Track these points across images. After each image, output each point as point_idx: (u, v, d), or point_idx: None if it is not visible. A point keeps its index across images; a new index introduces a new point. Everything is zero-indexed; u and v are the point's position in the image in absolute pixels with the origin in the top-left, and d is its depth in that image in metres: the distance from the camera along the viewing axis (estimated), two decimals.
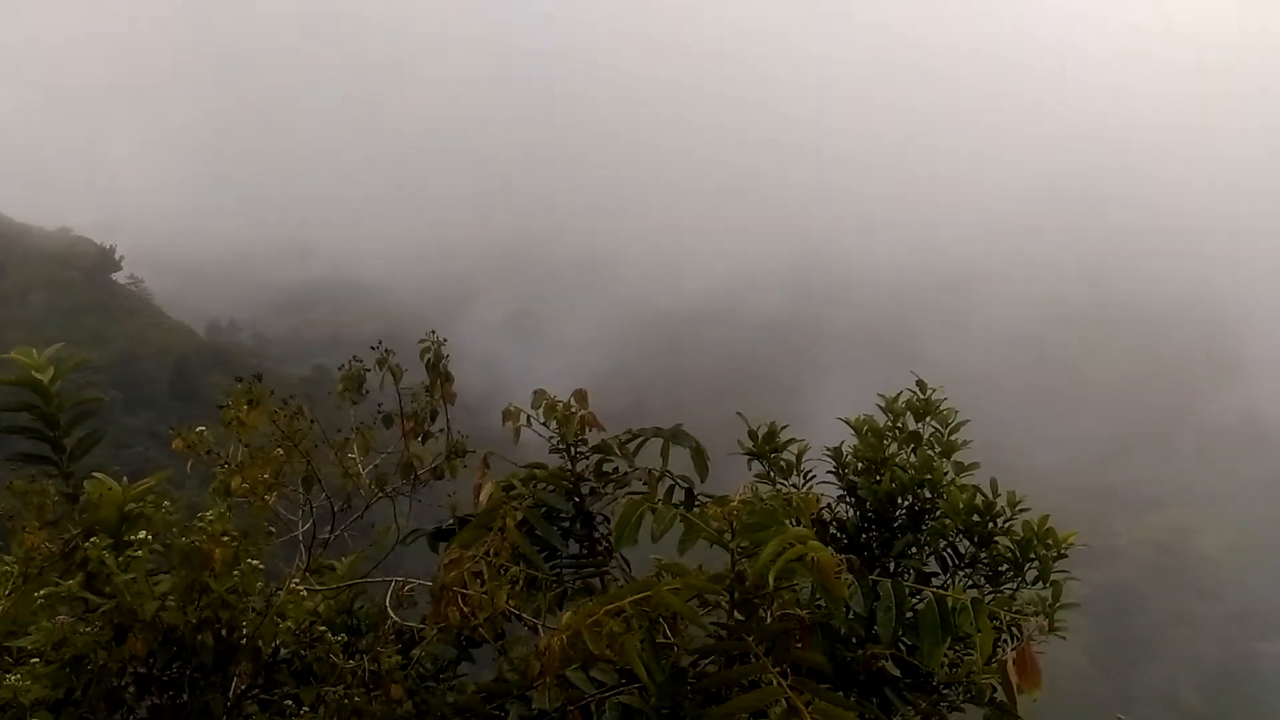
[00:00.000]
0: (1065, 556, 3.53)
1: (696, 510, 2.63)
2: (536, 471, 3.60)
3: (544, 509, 3.43)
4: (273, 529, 3.09)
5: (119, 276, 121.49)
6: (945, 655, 3.27)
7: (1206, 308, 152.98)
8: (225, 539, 2.40)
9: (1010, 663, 2.24)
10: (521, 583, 2.79)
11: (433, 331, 3.61)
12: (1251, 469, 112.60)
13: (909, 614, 2.38)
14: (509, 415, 3.82)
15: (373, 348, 3.49)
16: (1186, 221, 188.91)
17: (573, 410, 3.63)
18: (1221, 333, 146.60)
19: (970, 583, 3.63)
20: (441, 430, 3.82)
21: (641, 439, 3.73)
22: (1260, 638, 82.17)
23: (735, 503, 2.48)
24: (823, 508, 3.88)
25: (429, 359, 3.59)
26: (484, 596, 2.31)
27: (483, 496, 3.39)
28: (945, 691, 3.34)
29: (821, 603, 2.25)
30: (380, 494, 3.48)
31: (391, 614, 2.90)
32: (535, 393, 3.81)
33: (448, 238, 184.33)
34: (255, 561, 2.44)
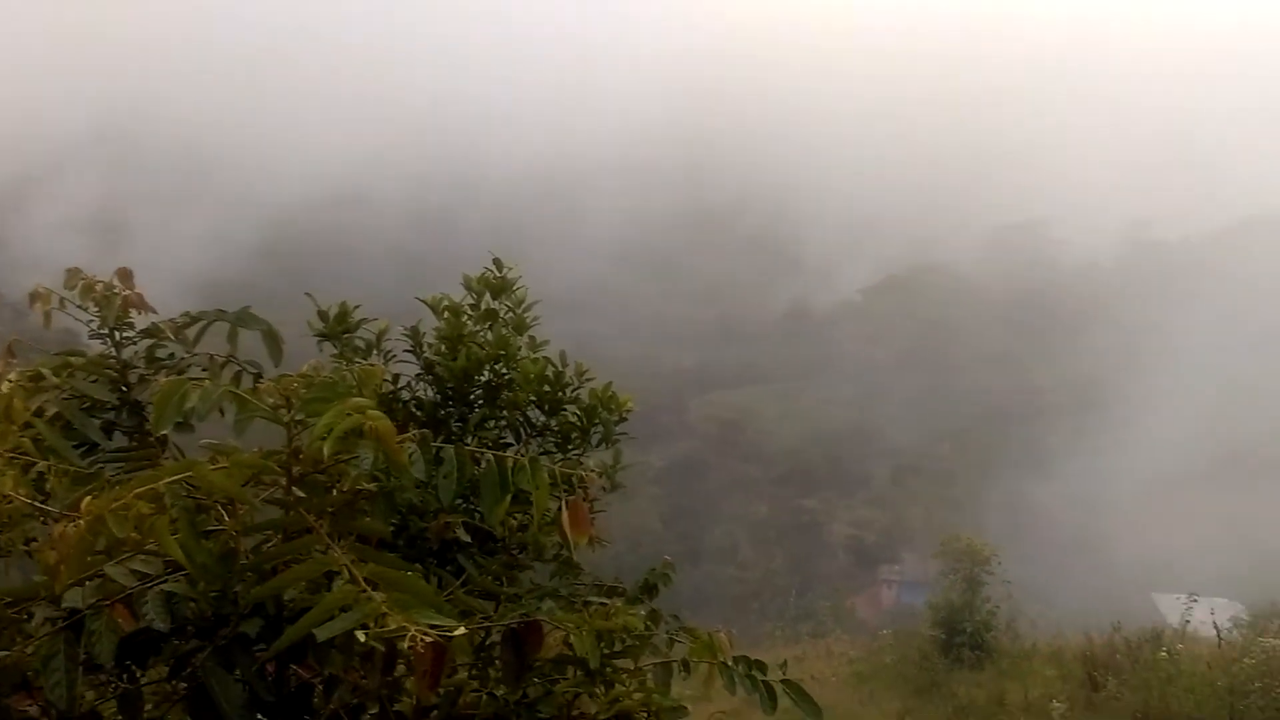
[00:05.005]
0: (626, 420, 3.81)
1: (252, 389, 2.49)
2: (71, 359, 3.22)
3: (83, 400, 3.09)
4: None
5: None
6: (515, 518, 3.43)
7: (771, 206, 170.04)
8: None
9: (563, 515, 2.37)
10: (51, 479, 2.51)
11: None
12: (799, 351, 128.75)
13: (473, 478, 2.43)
14: (36, 297, 3.38)
15: None
16: (770, 127, 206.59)
17: (115, 290, 3.29)
18: (781, 228, 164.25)
19: (542, 450, 3.81)
20: None
21: (204, 323, 3.47)
22: (802, 495, 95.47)
23: (294, 378, 2.37)
24: (401, 387, 3.87)
25: None
26: None
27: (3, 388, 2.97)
28: (517, 554, 3.51)
29: (385, 472, 2.23)
30: None
31: None
32: (68, 271, 3.40)
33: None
34: None
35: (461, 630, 1.76)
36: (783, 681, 2.77)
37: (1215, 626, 15.67)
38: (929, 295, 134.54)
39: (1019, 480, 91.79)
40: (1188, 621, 15.90)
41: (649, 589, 3.61)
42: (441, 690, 2.96)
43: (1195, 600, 16.38)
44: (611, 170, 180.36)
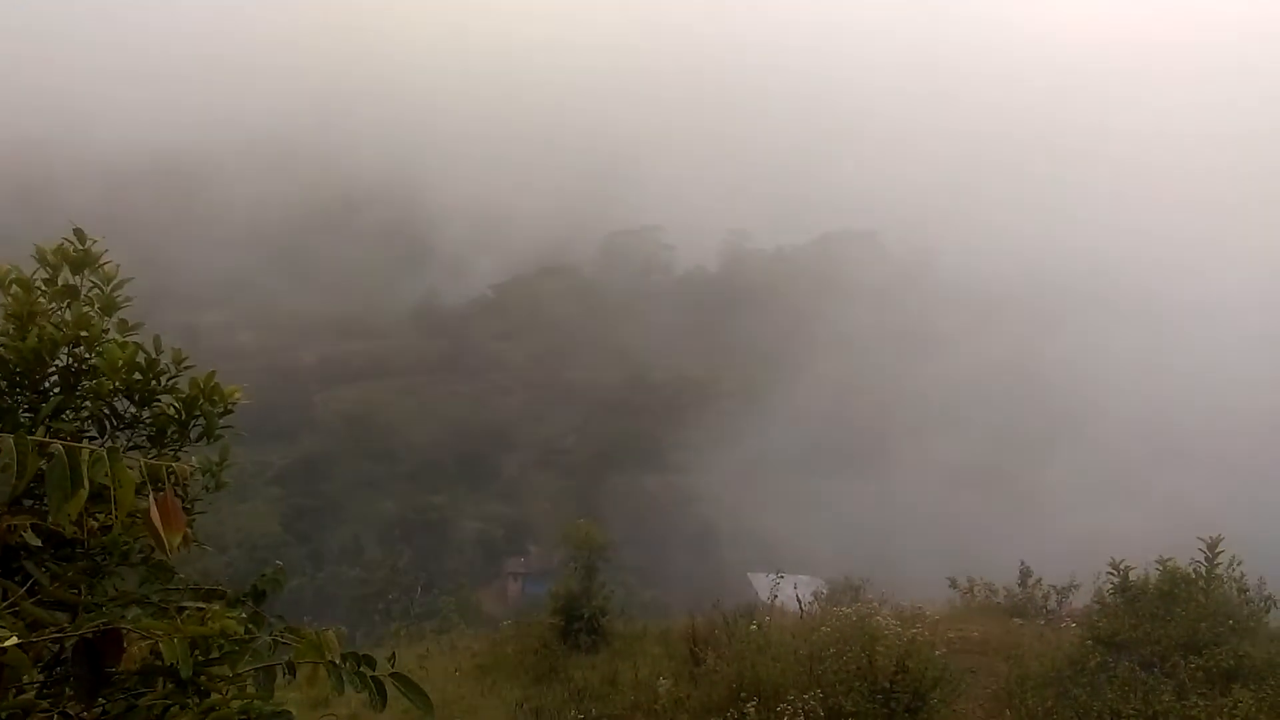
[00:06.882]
0: (231, 412, 3.55)
1: None
2: None
3: None
4: None
5: None
6: (97, 519, 3.08)
7: (402, 201, 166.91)
8: None
9: (153, 511, 2.17)
10: None
11: None
12: (428, 346, 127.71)
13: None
14: None
15: None
16: (405, 122, 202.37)
17: None
18: (412, 224, 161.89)
19: (132, 445, 3.45)
20: None
21: None
22: (430, 491, 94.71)
23: None
24: None
25: None
26: None
27: None
28: (100, 559, 3.15)
29: None
30: None
31: None
32: None
33: None
34: None
35: (14, 640, 1.55)
36: (391, 675, 2.73)
37: (798, 600, 17.51)
38: (554, 294, 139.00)
39: (640, 472, 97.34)
40: (775, 597, 17.62)
41: (258, 594, 3.38)
42: (3, 714, 2.61)
43: (782, 577, 18.18)
44: (239, 156, 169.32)
